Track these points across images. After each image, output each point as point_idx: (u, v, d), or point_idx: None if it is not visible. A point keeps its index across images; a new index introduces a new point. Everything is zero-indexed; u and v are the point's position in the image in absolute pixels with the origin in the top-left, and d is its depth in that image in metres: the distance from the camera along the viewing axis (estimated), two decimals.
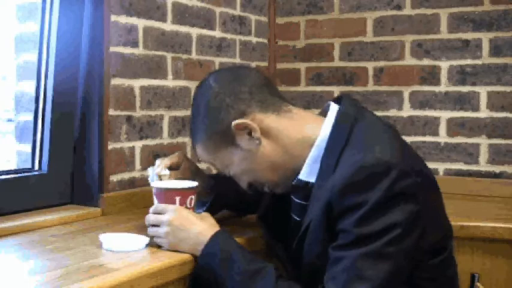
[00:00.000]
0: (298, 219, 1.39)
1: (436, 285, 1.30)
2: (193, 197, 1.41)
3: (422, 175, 1.26)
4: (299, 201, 1.39)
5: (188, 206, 1.40)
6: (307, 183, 1.33)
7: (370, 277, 1.16)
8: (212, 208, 1.53)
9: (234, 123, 1.31)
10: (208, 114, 1.35)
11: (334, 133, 1.29)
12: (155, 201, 1.41)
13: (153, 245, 1.38)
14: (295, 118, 1.35)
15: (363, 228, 1.17)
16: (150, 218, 1.39)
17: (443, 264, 1.31)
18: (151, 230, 1.38)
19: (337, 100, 1.37)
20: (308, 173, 1.32)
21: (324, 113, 1.36)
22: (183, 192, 1.40)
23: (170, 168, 1.48)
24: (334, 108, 1.33)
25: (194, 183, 1.44)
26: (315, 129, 1.32)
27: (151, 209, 1.40)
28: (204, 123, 1.37)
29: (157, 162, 1.49)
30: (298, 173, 1.34)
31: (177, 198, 1.38)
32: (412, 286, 1.26)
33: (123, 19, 1.83)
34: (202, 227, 1.33)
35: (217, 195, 1.56)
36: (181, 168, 1.51)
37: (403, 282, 1.23)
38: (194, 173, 1.53)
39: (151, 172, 1.48)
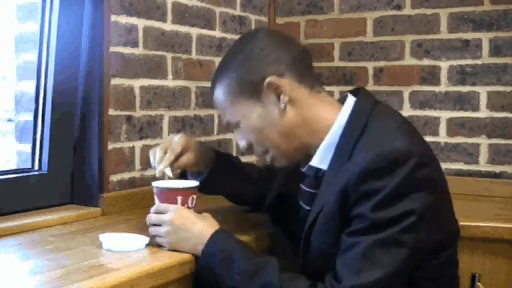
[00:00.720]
0: (307, 207, 1.39)
1: (436, 285, 1.30)
2: (194, 196, 1.42)
3: (438, 168, 1.29)
4: (309, 189, 1.40)
5: (190, 205, 1.40)
6: (318, 170, 1.34)
7: (384, 264, 1.16)
8: (206, 183, 1.52)
9: (269, 79, 1.31)
10: (248, 59, 1.34)
11: (350, 122, 1.30)
12: (156, 201, 1.41)
13: (153, 245, 1.38)
14: (322, 100, 1.36)
15: (379, 214, 1.18)
16: (152, 217, 1.39)
17: (445, 265, 1.31)
18: (152, 230, 1.38)
19: (354, 92, 1.38)
20: (320, 160, 1.33)
21: (341, 102, 1.38)
22: (184, 192, 1.40)
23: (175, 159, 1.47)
24: (351, 99, 1.35)
25: (195, 183, 1.44)
26: (333, 116, 1.33)
27: (152, 209, 1.40)
28: (238, 66, 1.35)
29: (158, 152, 1.46)
30: (308, 155, 1.34)
31: (179, 198, 1.38)
32: (412, 286, 1.26)
33: (123, 19, 1.83)
34: (203, 227, 1.33)
35: (214, 171, 1.55)
36: (188, 153, 1.49)
37: (403, 282, 1.23)
38: (198, 150, 1.52)
39: (152, 158, 1.47)
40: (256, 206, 1.72)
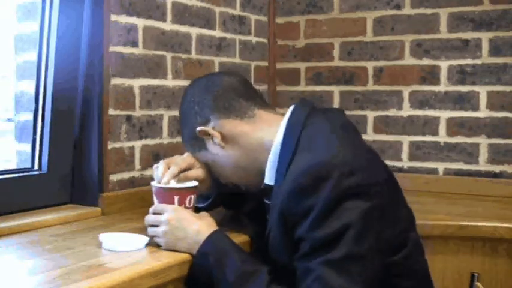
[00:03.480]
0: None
1: (408, 280, 1.29)
2: (192, 196, 1.42)
3: (369, 171, 1.23)
4: (267, 201, 1.42)
5: (187, 205, 1.40)
6: (271, 186, 1.36)
7: (341, 285, 1.14)
8: (213, 203, 1.56)
9: (197, 130, 1.42)
10: (183, 120, 1.49)
11: (285, 139, 1.33)
12: (155, 200, 1.42)
13: (153, 244, 1.38)
14: (257, 122, 1.41)
15: (317, 233, 1.17)
16: (150, 218, 1.40)
17: (409, 259, 1.29)
18: (150, 230, 1.39)
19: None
20: (270, 177, 1.36)
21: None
22: (182, 192, 1.40)
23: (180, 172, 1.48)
24: (288, 112, 1.38)
25: (194, 183, 1.44)
26: (273, 133, 1.36)
27: (150, 209, 1.41)
28: (182, 128, 1.50)
29: (161, 165, 1.46)
30: (263, 176, 1.38)
31: (176, 198, 1.39)
32: (384, 284, 1.24)
33: (123, 19, 1.83)
34: (199, 227, 1.34)
35: (219, 194, 1.56)
36: (195, 169, 1.50)
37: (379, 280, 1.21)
38: (204, 168, 1.53)
39: (156, 172, 1.47)
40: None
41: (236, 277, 1.25)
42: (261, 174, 1.38)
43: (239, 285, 1.25)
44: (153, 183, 1.43)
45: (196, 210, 1.46)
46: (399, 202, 1.34)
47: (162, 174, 1.44)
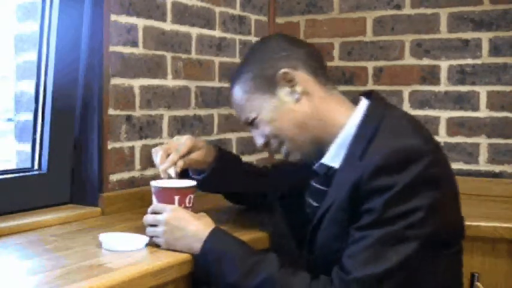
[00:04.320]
0: (315, 204, 1.40)
1: (438, 281, 1.30)
2: (192, 196, 1.42)
3: (448, 168, 1.31)
4: (319, 186, 1.41)
5: (187, 205, 1.40)
6: (329, 168, 1.36)
7: (390, 257, 1.18)
8: (206, 181, 1.54)
9: (282, 70, 1.35)
10: (262, 57, 1.39)
11: (364, 123, 1.32)
12: (154, 200, 1.42)
13: (153, 244, 1.38)
14: (334, 98, 1.39)
15: (389, 209, 1.19)
16: (148, 218, 1.40)
17: (448, 262, 1.31)
18: (149, 230, 1.39)
19: (366, 95, 1.40)
20: (332, 158, 1.35)
21: (354, 104, 1.40)
22: (182, 191, 1.40)
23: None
24: (364, 101, 1.37)
25: (193, 182, 1.44)
26: (346, 115, 1.35)
27: (149, 209, 1.41)
28: (253, 64, 1.40)
29: (159, 153, 1.47)
30: (320, 151, 1.36)
31: (176, 198, 1.39)
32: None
33: (123, 19, 1.83)
34: (198, 226, 1.34)
35: (215, 170, 1.56)
36: (195, 152, 1.51)
37: (410, 276, 1.23)
38: (206, 149, 1.55)
39: (155, 157, 1.48)
40: (253, 205, 1.73)
41: (241, 273, 1.25)
42: (316, 144, 1.36)
43: (246, 280, 1.25)
44: (153, 183, 1.43)
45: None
46: (458, 206, 1.37)
47: (161, 161, 1.44)
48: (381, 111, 1.33)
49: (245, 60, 1.44)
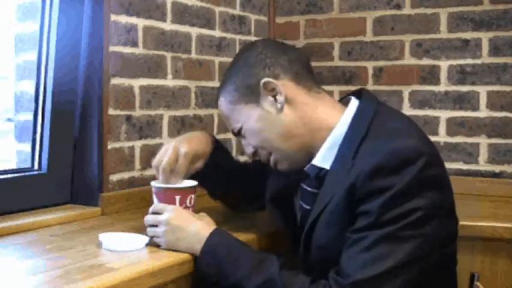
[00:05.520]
0: (307, 207, 1.39)
1: (436, 281, 1.30)
2: (192, 196, 1.42)
3: (443, 165, 1.30)
4: (310, 189, 1.40)
5: (188, 205, 1.41)
6: (320, 170, 1.35)
7: (386, 259, 1.18)
8: (200, 175, 1.51)
9: (263, 80, 1.34)
10: (245, 66, 1.39)
11: (355, 123, 1.31)
12: (155, 200, 1.42)
13: (153, 244, 1.38)
14: (321, 101, 1.37)
15: (386, 212, 1.19)
16: (149, 218, 1.39)
17: (444, 262, 1.31)
18: (150, 230, 1.39)
19: (356, 93, 1.39)
20: (322, 159, 1.34)
21: (344, 104, 1.39)
22: (183, 192, 1.40)
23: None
24: (354, 101, 1.36)
25: (194, 183, 1.44)
26: (335, 117, 1.34)
27: (150, 209, 1.41)
28: (236, 74, 1.39)
29: (162, 174, 1.43)
30: (310, 156, 1.35)
31: (177, 198, 1.39)
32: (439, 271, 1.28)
33: (123, 19, 1.83)
34: (199, 226, 1.34)
35: (201, 171, 1.53)
36: (196, 164, 1.49)
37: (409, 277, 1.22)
38: (204, 156, 1.52)
39: (157, 173, 1.46)
40: (237, 205, 1.72)
41: (244, 272, 1.26)
42: (305, 152, 1.36)
43: (248, 280, 1.25)
44: (154, 183, 1.43)
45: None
46: (453, 206, 1.37)
47: (165, 180, 1.42)
48: (372, 110, 1.32)
49: (229, 69, 1.43)
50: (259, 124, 1.36)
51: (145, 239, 1.39)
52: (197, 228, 1.34)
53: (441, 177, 1.27)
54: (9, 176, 1.68)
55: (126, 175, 1.86)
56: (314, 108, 1.35)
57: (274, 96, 1.34)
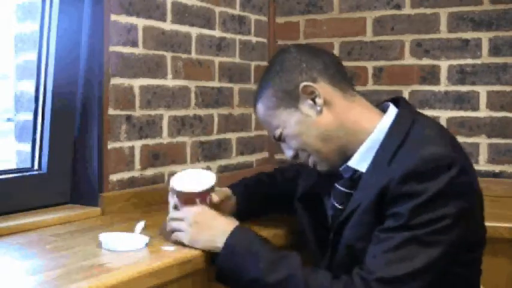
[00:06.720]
0: (339, 206, 1.41)
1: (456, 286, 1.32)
2: (211, 194, 1.44)
3: (475, 176, 1.32)
4: (343, 189, 1.42)
5: (207, 203, 1.43)
6: (355, 171, 1.37)
7: (414, 260, 1.20)
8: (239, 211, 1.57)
9: (302, 84, 1.36)
10: (281, 72, 1.40)
11: (393, 130, 1.33)
12: (172, 199, 1.44)
13: (153, 244, 1.38)
14: (357, 104, 1.39)
15: (416, 215, 1.20)
16: (174, 213, 1.42)
17: (467, 269, 1.33)
18: (173, 224, 1.41)
19: (394, 101, 1.41)
20: (358, 161, 1.36)
21: (380, 109, 1.41)
22: (203, 194, 1.42)
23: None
24: (393, 108, 1.38)
25: (211, 183, 1.45)
26: (372, 121, 1.36)
27: (171, 206, 1.43)
28: (273, 80, 1.40)
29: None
30: (347, 158, 1.37)
31: (198, 200, 1.42)
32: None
33: (123, 18, 1.83)
34: (224, 221, 1.38)
35: (242, 203, 1.59)
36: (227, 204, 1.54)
37: (432, 281, 1.24)
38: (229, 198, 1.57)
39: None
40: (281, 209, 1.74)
41: (266, 267, 1.27)
42: (343, 153, 1.38)
43: (270, 275, 1.26)
44: (174, 186, 1.42)
45: None
46: (483, 213, 1.39)
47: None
48: (410, 118, 1.34)
49: (265, 75, 1.45)
50: (298, 128, 1.38)
51: (145, 239, 1.39)
52: (221, 223, 1.37)
53: (472, 186, 1.28)
54: (9, 176, 1.68)
55: (126, 175, 1.86)
56: (351, 110, 1.38)
57: (313, 100, 1.37)
